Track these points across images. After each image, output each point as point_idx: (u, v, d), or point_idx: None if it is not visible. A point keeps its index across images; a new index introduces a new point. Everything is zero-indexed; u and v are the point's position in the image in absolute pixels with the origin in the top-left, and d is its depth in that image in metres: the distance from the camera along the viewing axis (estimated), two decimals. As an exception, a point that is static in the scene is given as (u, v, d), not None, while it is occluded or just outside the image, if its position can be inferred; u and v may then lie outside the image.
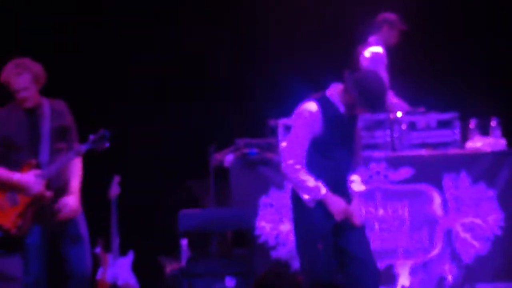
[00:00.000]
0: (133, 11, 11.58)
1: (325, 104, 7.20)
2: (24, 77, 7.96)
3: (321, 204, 7.19)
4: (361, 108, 7.15)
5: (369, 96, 7.07)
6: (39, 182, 7.95)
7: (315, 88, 8.16)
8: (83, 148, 7.89)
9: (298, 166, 7.19)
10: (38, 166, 7.94)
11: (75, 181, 8.14)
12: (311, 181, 7.15)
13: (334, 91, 7.24)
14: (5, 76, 7.99)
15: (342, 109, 7.25)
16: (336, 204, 7.20)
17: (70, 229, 8.08)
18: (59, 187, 8.02)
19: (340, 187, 7.33)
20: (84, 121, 8.32)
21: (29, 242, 8.03)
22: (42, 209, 7.95)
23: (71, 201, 8.06)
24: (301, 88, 9.62)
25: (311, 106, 7.18)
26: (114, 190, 10.02)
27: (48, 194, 7.94)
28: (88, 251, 8.23)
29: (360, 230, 7.41)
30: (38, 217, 8.00)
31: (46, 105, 8.10)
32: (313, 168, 7.24)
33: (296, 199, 7.35)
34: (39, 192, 7.93)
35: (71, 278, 8.14)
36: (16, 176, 7.95)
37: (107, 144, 7.86)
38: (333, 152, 7.28)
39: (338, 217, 7.18)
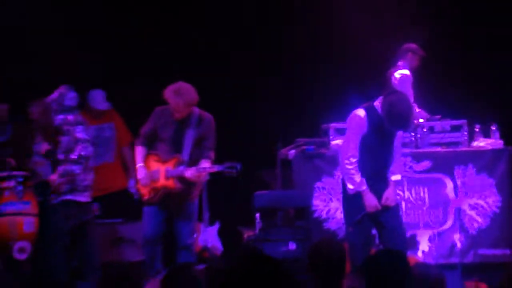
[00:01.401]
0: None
1: (371, 112, 7.51)
2: (179, 102, 8.14)
3: (359, 196, 7.59)
4: (388, 126, 7.43)
5: (393, 118, 7.37)
6: (145, 178, 8.30)
7: (358, 100, 8.47)
8: (217, 168, 8.22)
9: (351, 162, 7.53)
10: (182, 163, 8.24)
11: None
12: (357, 177, 7.51)
13: (379, 103, 7.52)
14: (166, 95, 8.16)
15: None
16: (370, 200, 7.58)
17: (182, 211, 8.41)
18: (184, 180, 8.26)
19: (380, 176, 7.67)
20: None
21: (148, 211, 8.37)
22: (169, 193, 8.29)
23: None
24: (347, 99, 10.06)
25: (360, 112, 7.54)
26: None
27: (176, 185, 8.26)
28: (194, 225, 8.55)
29: (394, 209, 7.77)
30: (164, 197, 8.32)
31: (196, 115, 8.31)
32: (361, 160, 7.56)
33: (345, 187, 7.72)
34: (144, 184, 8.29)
35: (179, 242, 8.46)
36: (138, 166, 8.35)
37: (235, 175, 8.14)
38: (376, 149, 7.59)
39: (369, 209, 7.57)
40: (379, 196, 7.68)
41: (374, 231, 7.97)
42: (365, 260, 4.75)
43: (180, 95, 8.16)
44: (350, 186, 7.62)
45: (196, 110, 8.33)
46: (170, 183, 8.29)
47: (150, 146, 8.43)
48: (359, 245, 7.63)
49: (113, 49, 10.99)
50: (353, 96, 9.98)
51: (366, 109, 7.59)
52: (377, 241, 8.19)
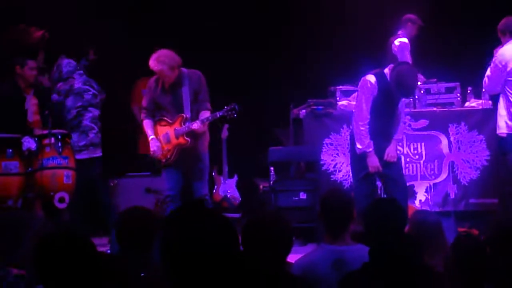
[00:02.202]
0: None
1: (380, 78, 7.55)
2: (163, 68, 8.01)
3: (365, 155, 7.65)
4: (395, 92, 7.50)
5: (402, 87, 7.46)
6: (156, 145, 8.20)
7: (363, 65, 8.65)
8: (218, 114, 8.06)
9: (363, 124, 7.58)
10: (187, 120, 8.14)
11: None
12: (366, 139, 7.58)
13: (389, 70, 7.56)
14: (151, 66, 8.01)
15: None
16: (373, 161, 7.65)
17: (196, 165, 8.31)
18: (193, 134, 8.19)
19: (385, 134, 7.73)
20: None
21: (167, 171, 8.31)
22: (183, 149, 8.25)
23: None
24: (352, 65, 10.07)
25: (371, 78, 7.58)
26: (224, 133, 10.32)
27: (187, 140, 8.16)
28: (206, 180, 8.41)
29: (396, 163, 7.86)
30: (180, 155, 8.26)
31: (185, 74, 8.17)
32: (370, 120, 7.60)
33: (353, 145, 7.80)
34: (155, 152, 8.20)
35: (193, 196, 8.36)
36: (150, 138, 8.24)
37: (235, 115, 8.05)
38: (383, 111, 7.63)
39: (371, 169, 7.66)
40: (383, 152, 7.75)
41: (378, 183, 8.04)
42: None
43: (162, 62, 8.05)
44: (358, 146, 7.68)
45: (185, 70, 8.22)
46: (182, 140, 8.23)
47: (154, 115, 8.36)
48: (363, 196, 7.67)
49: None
50: (358, 61, 10.12)
51: (376, 75, 7.61)
52: (379, 191, 8.25)
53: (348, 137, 8.46)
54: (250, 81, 11.11)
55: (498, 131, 8.45)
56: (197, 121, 8.11)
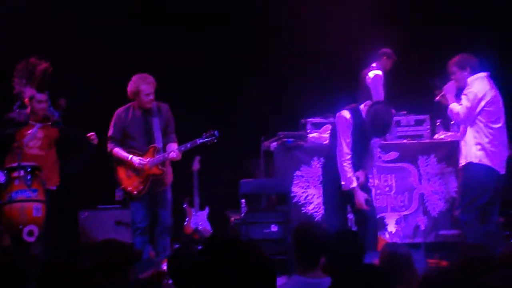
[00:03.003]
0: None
1: (355, 114, 7.59)
2: (151, 88, 8.10)
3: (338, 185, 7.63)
4: (370, 131, 7.53)
5: (377, 127, 7.50)
6: (142, 163, 8.13)
7: (335, 98, 8.69)
8: (198, 141, 8.12)
9: (345, 159, 7.56)
10: (159, 150, 8.17)
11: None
12: (351, 174, 7.55)
13: (363, 108, 7.60)
14: (138, 87, 8.07)
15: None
16: (360, 197, 7.65)
17: (163, 196, 8.34)
18: (162, 164, 8.21)
19: (356, 165, 7.69)
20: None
21: (138, 202, 8.30)
22: (155, 180, 8.24)
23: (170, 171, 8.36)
24: (323, 98, 10.12)
25: (346, 114, 7.61)
26: (195, 165, 10.13)
27: (162, 170, 8.19)
28: (170, 210, 8.45)
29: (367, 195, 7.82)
30: (151, 185, 8.26)
31: (155, 106, 8.22)
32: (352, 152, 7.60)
33: (326, 176, 7.85)
34: (140, 167, 8.13)
35: (159, 226, 8.39)
36: (130, 157, 8.17)
37: (215, 141, 8.08)
38: (356, 144, 7.63)
39: (358, 206, 7.65)
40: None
41: (350, 215, 8.06)
42: (326, 240, 4.88)
43: (148, 82, 8.14)
44: (342, 182, 7.66)
45: (154, 101, 8.29)
46: (156, 170, 8.24)
47: (122, 145, 8.35)
48: (336, 227, 7.64)
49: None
50: (329, 94, 10.16)
51: (351, 111, 7.65)
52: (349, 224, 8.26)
53: (320, 169, 8.47)
54: (221, 113, 11.07)
55: (467, 160, 8.35)
56: (175, 150, 8.14)
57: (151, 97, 8.16)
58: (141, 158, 8.22)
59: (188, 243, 8.68)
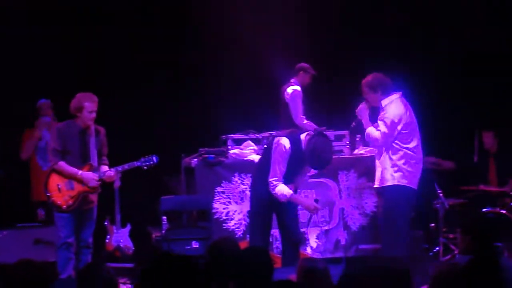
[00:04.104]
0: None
1: (295, 144, 7.58)
2: (96, 104, 8.22)
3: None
4: (308, 163, 7.59)
5: (316, 160, 7.56)
6: (95, 179, 8.28)
7: (256, 114, 8.66)
8: (135, 164, 8.30)
9: (274, 185, 7.57)
10: (94, 168, 8.27)
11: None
12: (282, 190, 7.58)
13: (305, 139, 7.57)
14: (92, 104, 8.18)
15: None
16: (304, 202, 7.79)
17: (89, 214, 8.43)
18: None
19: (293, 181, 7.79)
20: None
21: (64, 217, 8.29)
22: (85, 197, 8.31)
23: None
24: (244, 114, 10.13)
25: (285, 142, 7.59)
26: (117, 183, 10.02)
27: (98, 188, 8.33)
28: (94, 227, 8.52)
29: (291, 211, 7.95)
30: (81, 202, 8.32)
31: (92, 126, 8.35)
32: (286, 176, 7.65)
33: (254, 195, 7.88)
34: (94, 186, 8.26)
35: (81, 241, 8.39)
36: (81, 172, 8.24)
37: (153, 165, 8.20)
38: (290, 169, 7.66)
39: (309, 210, 7.78)
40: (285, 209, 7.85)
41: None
42: (232, 257, 4.90)
43: (93, 100, 8.27)
44: (281, 199, 7.67)
45: None
46: (88, 188, 8.31)
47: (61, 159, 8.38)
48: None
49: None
50: (250, 111, 10.17)
51: (290, 140, 7.64)
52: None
53: (241, 185, 8.70)
54: (142, 129, 11.06)
55: (383, 184, 8.42)
56: (112, 170, 8.30)
57: (94, 115, 8.27)
58: (94, 173, 8.30)
59: (99, 260, 8.59)
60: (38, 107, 10.23)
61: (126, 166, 8.32)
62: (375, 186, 8.58)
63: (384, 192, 8.38)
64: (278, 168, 7.60)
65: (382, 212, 8.52)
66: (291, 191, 7.63)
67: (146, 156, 8.28)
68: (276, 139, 7.70)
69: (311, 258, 7.34)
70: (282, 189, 7.61)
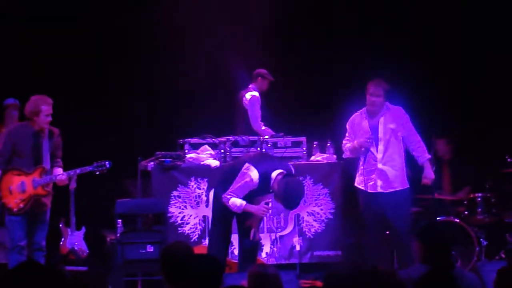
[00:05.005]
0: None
1: (263, 180, 7.61)
2: (50, 108, 8.17)
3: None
4: (277, 199, 7.65)
5: (287, 201, 7.63)
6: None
7: (213, 119, 8.59)
8: (88, 168, 8.24)
9: (230, 197, 7.62)
10: (47, 171, 8.21)
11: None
12: (238, 202, 7.62)
13: (275, 180, 7.59)
14: (41, 106, 8.14)
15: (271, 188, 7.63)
16: (255, 208, 7.70)
17: (42, 217, 8.37)
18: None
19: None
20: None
21: (16, 220, 8.24)
22: (37, 201, 8.25)
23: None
24: (200, 118, 10.11)
25: (254, 177, 7.62)
26: (72, 184, 9.98)
27: (47, 191, 8.27)
28: (47, 230, 8.47)
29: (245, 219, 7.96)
30: (33, 205, 8.26)
31: (47, 129, 8.31)
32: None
33: (215, 205, 7.95)
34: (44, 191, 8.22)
35: (33, 244, 8.34)
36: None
37: (105, 171, 8.17)
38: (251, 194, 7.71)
39: (261, 215, 7.87)
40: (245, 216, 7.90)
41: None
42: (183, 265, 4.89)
43: (49, 103, 8.25)
44: (235, 209, 7.72)
45: None
46: (40, 191, 8.26)
47: (7, 163, 8.31)
48: (216, 248, 7.81)
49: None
50: (207, 115, 10.16)
51: (260, 176, 7.64)
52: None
53: (199, 189, 8.71)
54: (99, 132, 10.99)
55: (404, 186, 8.72)
56: (64, 174, 8.24)
57: (50, 118, 8.25)
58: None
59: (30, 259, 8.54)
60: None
61: (78, 171, 8.26)
62: (385, 191, 8.60)
63: (402, 194, 8.62)
64: (239, 190, 7.66)
65: (396, 215, 8.58)
66: (244, 202, 7.66)
67: (99, 161, 8.21)
68: (247, 165, 7.69)
69: (262, 264, 7.36)
70: (235, 201, 7.66)
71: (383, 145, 8.56)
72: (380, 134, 8.57)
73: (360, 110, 8.77)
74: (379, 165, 8.55)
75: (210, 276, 4.70)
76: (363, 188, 8.63)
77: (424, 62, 11.15)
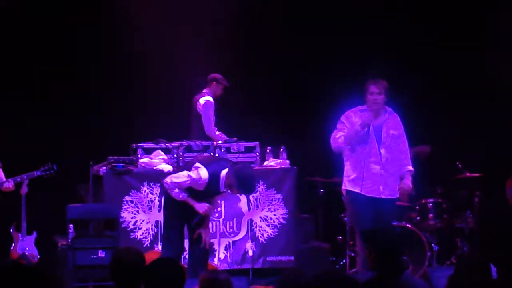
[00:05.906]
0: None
1: (212, 181, 7.75)
2: None
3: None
4: (236, 191, 7.83)
5: (245, 187, 7.82)
6: None
7: (165, 123, 8.59)
8: (35, 173, 8.25)
9: (176, 193, 7.80)
10: None
11: None
12: (182, 195, 7.78)
13: (225, 176, 7.74)
14: None
15: (222, 188, 7.81)
16: (199, 205, 7.85)
17: None
18: None
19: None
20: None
21: None
22: None
23: None
24: (154, 122, 10.10)
25: (204, 176, 7.76)
26: (24, 189, 9.70)
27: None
28: None
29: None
30: None
31: None
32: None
33: (166, 202, 8.05)
34: None
35: None
36: None
37: (53, 174, 8.13)
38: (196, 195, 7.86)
39: (201, 209, 7.91)
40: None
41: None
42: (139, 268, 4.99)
43: None
44: (175, 196, 7.87)
45: None
46: None
47: None
48: (173, 254, 7.80)
49: None
50: (161, 119, 10.14)
51: (210, 177, 7.79)
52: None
53: (151, 193, 8.78)
54: (52, 136, 10.91)
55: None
56: (10, 180, 8.29)
57: None
58: None
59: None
60: None
61: (25, 176, 8.22)
62: (386, 197, 8.55)
63: (395, 202, 8.72)
64: (184, 183, 7.79)
65: (390, 223, 8.69)
66: (185, 194, 7.79)
67: (46, 165, 8.13)
68: (197, 164, 7.80)
69: (213, 270, 7.36)
70: (179, 191, 7.79)
71: (385, 150, 8.51)
72: (383, 139, 8.52)
73: (357, 108, 8.62)
74: (382, 171, 8.48)
75: (175, 281, 4.67)
76: (358, 191, 8.50)
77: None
